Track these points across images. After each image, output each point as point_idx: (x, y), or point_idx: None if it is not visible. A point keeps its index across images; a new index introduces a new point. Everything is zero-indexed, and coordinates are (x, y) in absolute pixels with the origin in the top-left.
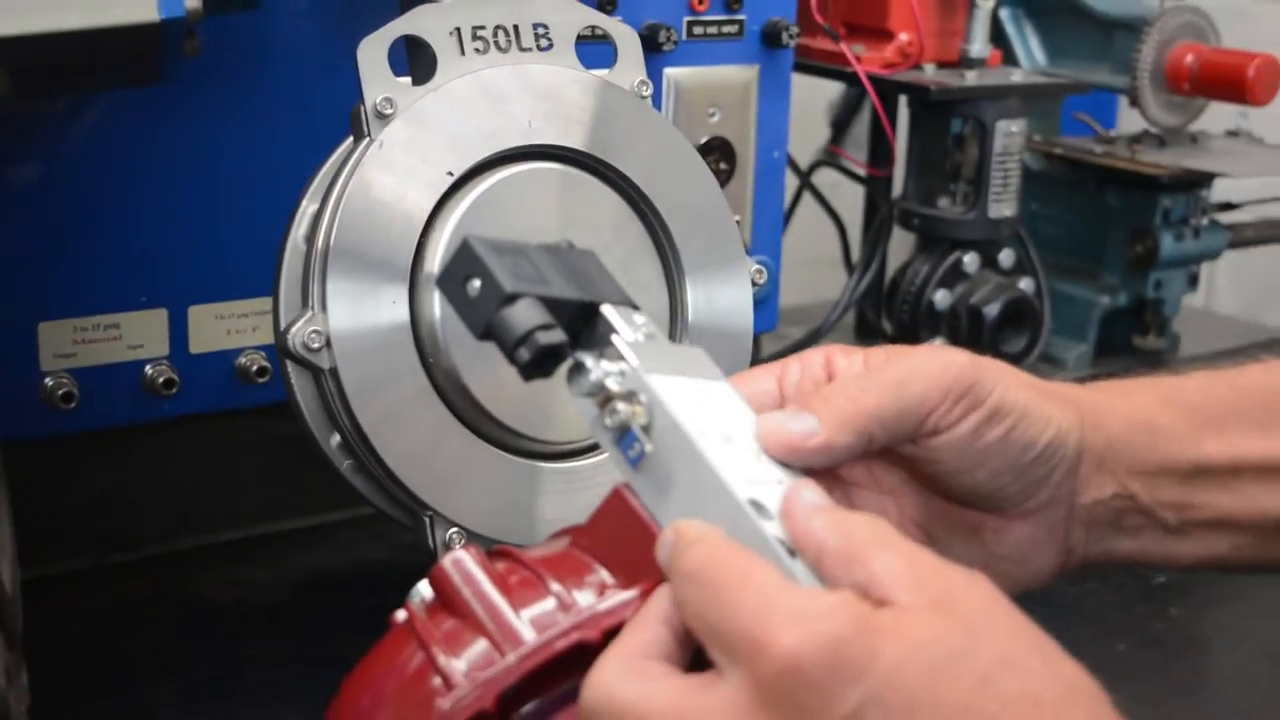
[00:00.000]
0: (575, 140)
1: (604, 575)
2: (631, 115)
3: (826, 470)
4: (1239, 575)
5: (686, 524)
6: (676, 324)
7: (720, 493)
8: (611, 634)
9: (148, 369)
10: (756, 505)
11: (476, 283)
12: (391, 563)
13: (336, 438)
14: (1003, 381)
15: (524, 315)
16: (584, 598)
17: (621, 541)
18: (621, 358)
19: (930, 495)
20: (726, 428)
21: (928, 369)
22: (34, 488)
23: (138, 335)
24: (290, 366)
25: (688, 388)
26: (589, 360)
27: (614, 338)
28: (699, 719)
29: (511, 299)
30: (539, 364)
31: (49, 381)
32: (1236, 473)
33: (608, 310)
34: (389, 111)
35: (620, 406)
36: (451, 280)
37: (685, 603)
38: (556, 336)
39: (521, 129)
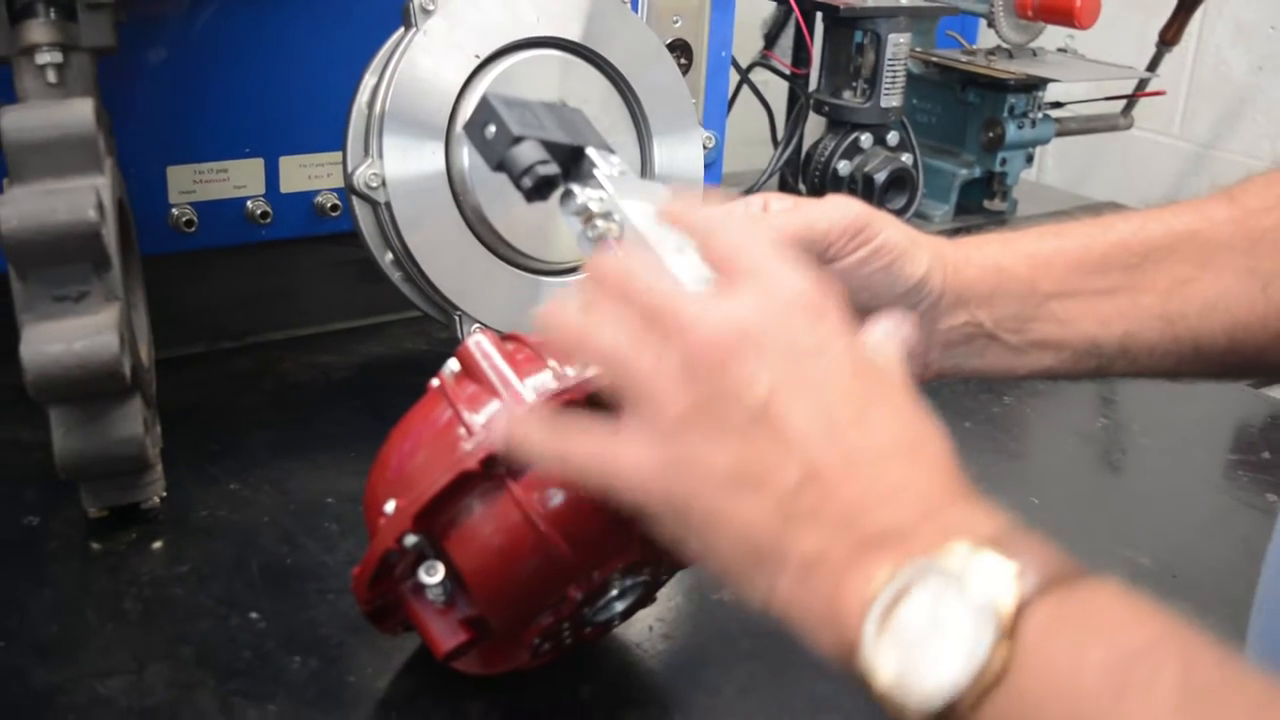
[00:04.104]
0: (572, 34)
1: None
2: (615, 16)
3: None
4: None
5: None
6: (645, 175)
7: None
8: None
9: (249, 203)
10: None
11: (492, 128)
12: (430, 351)
13: (390, 256)
14: (888, 227)
15: (527, 153)
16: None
17: None
18: (601, 187)
19: None
20: (679, 241)
21: (833, 211)
22: (164, 291)
23: (242, 178)
24: (355, 201)
25: (650, 210)
26: (576, 188)
27: (595, 171)
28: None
29: (518, 140)
30: (538, 190)
31: (175, 211)
32: (1061, 304)
33: (590, 151)
34: (431, 8)
35: (599, 223)
36: (474, 126)
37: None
38: (552, 169)
39: (531, 24)
